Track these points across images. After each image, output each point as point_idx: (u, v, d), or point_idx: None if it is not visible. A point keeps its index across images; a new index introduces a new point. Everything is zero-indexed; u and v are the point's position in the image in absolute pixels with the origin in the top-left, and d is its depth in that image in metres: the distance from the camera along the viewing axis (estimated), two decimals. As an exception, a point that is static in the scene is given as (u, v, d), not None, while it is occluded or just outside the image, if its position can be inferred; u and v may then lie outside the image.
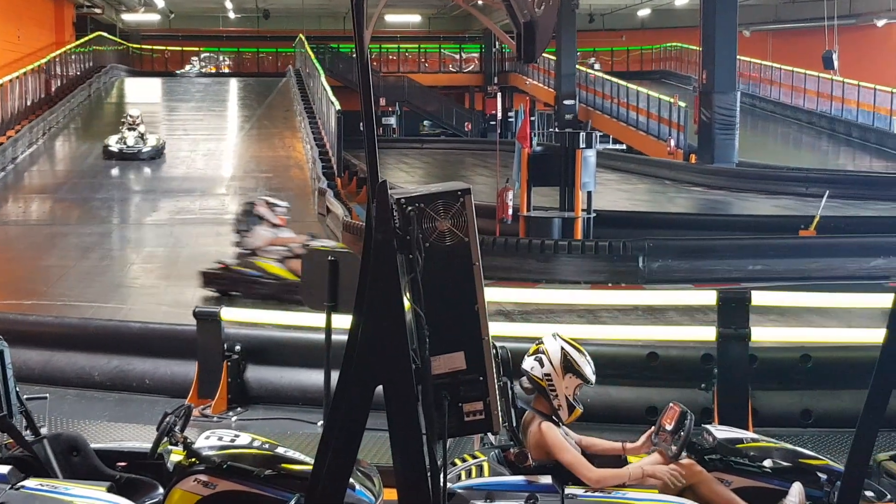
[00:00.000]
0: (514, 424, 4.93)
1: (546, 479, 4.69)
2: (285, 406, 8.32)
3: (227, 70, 47.73)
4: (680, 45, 42.25)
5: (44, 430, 5.06)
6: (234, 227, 13.57)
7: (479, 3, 10.09)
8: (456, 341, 3.76)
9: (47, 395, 5.61)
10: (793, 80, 35.98)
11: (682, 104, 29.50)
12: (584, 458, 4.84)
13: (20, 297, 12.96)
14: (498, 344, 4.44)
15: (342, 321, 6.44)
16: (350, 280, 6.12)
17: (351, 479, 4.22)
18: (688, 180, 26.39)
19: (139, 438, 5.70)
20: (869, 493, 4.82)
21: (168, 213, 20.68)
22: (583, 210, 16.41)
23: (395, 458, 3.72)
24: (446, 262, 3.75)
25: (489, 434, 4.49)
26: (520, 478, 4.74)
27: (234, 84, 40.63)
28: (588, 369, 4.98)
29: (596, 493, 4.66)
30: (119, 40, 45.39)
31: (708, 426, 5.36)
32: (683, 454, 4.89)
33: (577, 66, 36.99)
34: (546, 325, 10.24)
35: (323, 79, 29.40)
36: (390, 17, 45.38)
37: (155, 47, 48.67)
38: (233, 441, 4.86)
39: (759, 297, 7.71)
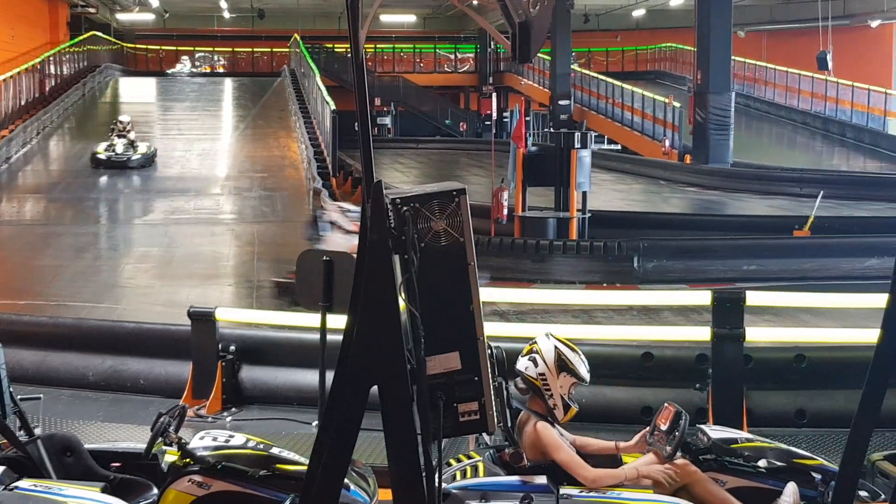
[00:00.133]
0: (509, 425, 4.93)
1: (541, 480, 4.69)
2: (280, 406, 8.31)
3: (221, 70, 47.65)
4: (675, 46, 42.31)
5: (38, 431, 5.05)
6: (303, 233, 13.36)
7: (475, 3, 10.11)
8: (451, 341, 3.75)
9: (41, 395, 5.61)
10: (787, 80, 36.05)
11: (677, 104, 29.54)
12: (580, 458, 4.84)
13: (14, 298, 12.93)
14: (493, 344, 4.44)
15: (337, 321, 6.45)
16: (345, 280, 6.11)
17: (346, 480, 4.21)
18: (682, 180, 26.43)
19: (133, 439, 5.70)
20: (863, 493, 4.83)
21: (162, 212, 20.65)
22: (578, 210, 16.44)
23: (390, 459, 3.72)
24: (441, 262, 3.74)
25: (484, 434, 4.48)
26: (515, 478, 4.74)
27: (228, 84, 40.58)
28: (582, 368, 4.98)
29: (591, 494, 4.66)
30: (113, 40, 45.31)
31: (703, 426, 5.36)
32: (678, 454, 4.89)
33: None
34: (541, 325, 10.24)
35: (318, 79, 29.39)
36: (385, 17, 45.38)
37: (149, 47, 48.60)
38: (227, 441, 4.85)
39: (754, 298, 7.72)
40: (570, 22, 36.38)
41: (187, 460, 4.69)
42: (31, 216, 20.79)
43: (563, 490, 4.65)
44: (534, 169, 16.53)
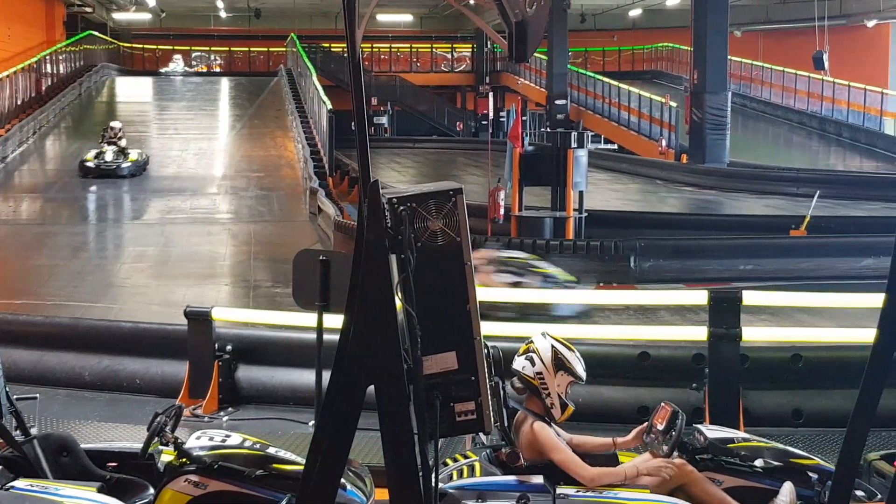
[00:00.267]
0: (506, 424, 4.92)
1: (538, 479, 4.69)
2: (276, 406, 8.31)
3: (218, 69, 47.59)
4: (671, 46, 42.33)
5: (34, 431, 5.04)
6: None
7: (471, 2, 10.11)
8: (447, 341, 3.75)
9: (37, 395, 5.59)
10: (783, 80, 36.08)
11: (674, 104, 29.55)
12: (578, 457, 4.84)
13: (10, 297, 12.92)
14: (489, 344, 4.44)
15: (334, 321, 6.44)
16: (341, 280, 6.11)
17: (342, 479, 4.21)
18: (679, 180, 26.45)
19: (130, 438, 5.69)
20: (859, 493, 4.83)
21: (159, 212, 20.64)
22: (574, 210, 16.45)
23: (387, 458, 3.72)
24: (438, 261, 3.74)
25: (481, 434, 4.48)
26: (511, 478, 4.74)
27: (225, 83, 40.56)
28: (579, 366, 4.98)
29: (588, 493, 4.66)
30: (110, 39, 45.26)
31: (699, 426, 5.36)
32: (675, 454, 4.89)
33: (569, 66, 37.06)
34: (537, 324, 10.23)
35: (314, 78, 29.38)
36: (382, 17, 45.36)
37: (146, 46, 48.55)
38: (224, 441, 4.85)
39: (751, 297, 7.73)
40: (566, 21, 36.37)
41: (184, 460, 4.69)
42: (28, 216, 20.78)
43: (560, 490, 4.64)
44: (530, 168, 16.54)
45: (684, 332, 8.61)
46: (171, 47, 47.39)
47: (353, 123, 3.82)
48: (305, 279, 6.78)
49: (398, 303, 3.72)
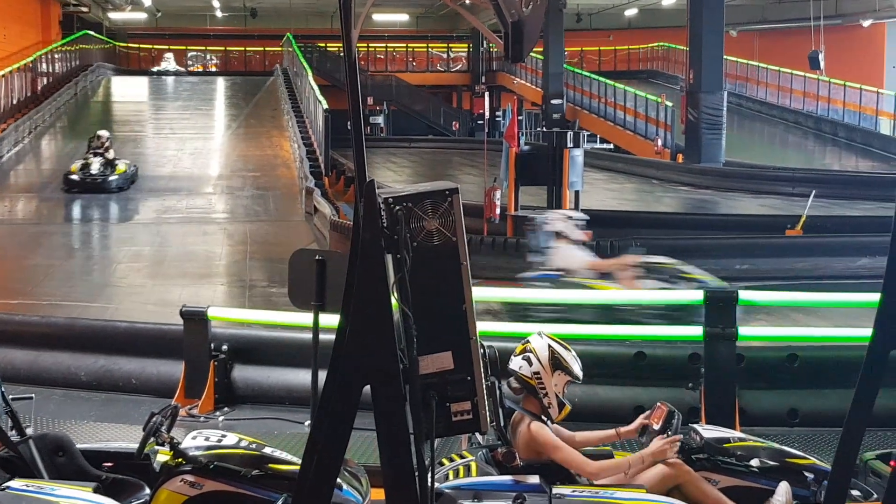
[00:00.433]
0: (502, 424, 4.93)
1: (534, 479, 4.69)
2: (272, 406, 8.29)
3: (214, 69, 47.56)
4: (667, 45, 42.34)
5: (29, 431, 5.03)
6: (529, 246, 12.09)
7: (467, 2, 10.09)
8: (444, 341, 3.75)
9: (33, 395, 5.58)
10: (779, 79, 36.11)
11: (669, 104, 29.57)
12: (579, 453, 4.87)
13: (6, 297, 12.91)
14: (486, 343, 4.43)
15: (330, 320, 6.44)
16: (337, 279, 6.11)
17: (338, 479, 4.21)
18: (675, 180, 26.47)
19: (125, 439, 5.68)
20: (855, 493, 4.84)
21: (154, 211, 20.62)
22: (570, 209, 16.42)
23: (383, 458, 3.71)
24: (434, 261, 3.74)
25: (477, 434, 4.48)
26: (507, 478, 4.74)
27: (221, 83, 40.55)
28: (576, 366, 4.99)
29: (584, 493, 4.66)
30: (106, 39, 45.22)
31: (695, 425, 5.36)
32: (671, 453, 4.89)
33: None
34: (534, 324, 10.23)
35: (310, 78, 29.38)
36: (378, 16, 45.35)
37: (142, 46, 48.50)
38: (220, 441, 4.84)
39: (747, 297, 7.73)
40: (562, 21, 36.40)
41: (179, 460, 4.68)
42: (23, 215, 20.75)
43: (556, 490, 4.64)
44: (526, 168, 16.54)
45: (680, 332, 8.61)
46: (166, 47, 47.36)
47: (349, 123, 3.82)
48: (301, 279, 6.77)
49: (394, 302, 3.72)
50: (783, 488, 4.80)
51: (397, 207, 3.70)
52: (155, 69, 44.44)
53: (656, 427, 4.95)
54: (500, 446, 4.92)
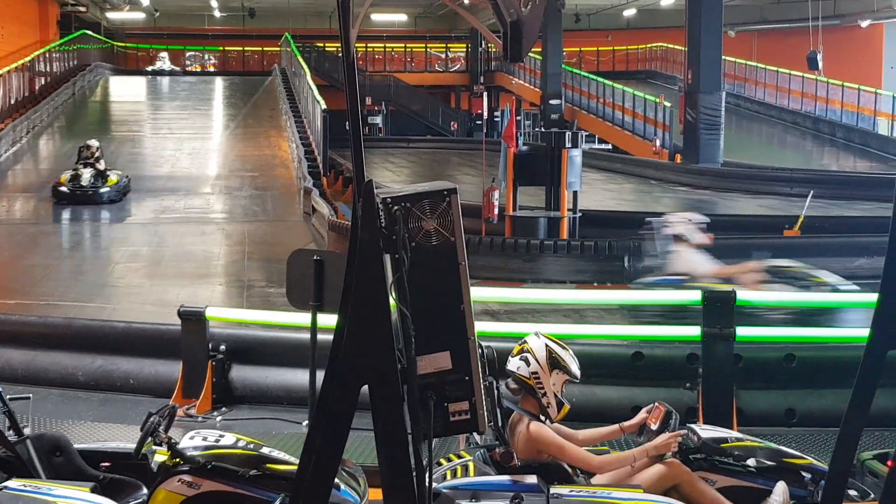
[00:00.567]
0: (500, 424, 4.93)
1: (531, 479, 4.69)
2: (270, 406, 8.30)
3: (212, 69, 47.54)
4: (665, 46, 42.37)
5: (27, 431, 5.02)
6: (646, 249, 11.77)
7: (466, 2, 10.10)
8: (441, 341, 3.75)
9: (30, 395, 5.58)
10: (777, 80, 36.13)
11: (668, 104, 29.58)
12: (580, 449, 4.91)
13: (3, 297, 12.90)
14: (484, 343, 4.43)
15: (328, 320, 6.44)
16: (335, 279, 6.11)
17: (336, 479, 4.20)
18: (673, 180, 26.46)
19: (123, 439, 5.69)
20: (853, 493, 4.84)
21: (152, 211, 20.60)
22: (568, 210, 16.44)
23: (381, 458, 3.71)
24: (432, 261, 3.74)
25: (475, 434, 4.48)
26: (505, 477, 4.74)
27: (219, 83, 40.52)
28: (574, 365, 5.01)
29: (581, 493, 4.66)
30: (104, 38, 45.17)
31: (693, 425, 5.36)
32: (668, 453, 4.90)
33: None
34: (532, 324, 10.24)
35: (309, 78, 29.36)
36: (376, 16, 45.35)
37: (140, 45, 48.47)
38: (217, 441, 4.84)
39: (744, 297, 7.73)
40: (561, 21, 36.42)
41: (177, 460, 4.68)
42: (21, 215, 20.72)
43: (554, 489, 4.64)
44: (524, 168, 16.53)
45: (678, 332, 8.61)
46: (164, 47, 47.36)
47: (347, 123, 3.82)
48: (299, 279, 6.78)
49: (392, 302, 3.72)
50: (780, 488, 4.81)
51: (395, 207, 3.70)
52: (149, 69, 44.33)
53: (654, 427, 4.96)
54: (497, 446, 4.92)
